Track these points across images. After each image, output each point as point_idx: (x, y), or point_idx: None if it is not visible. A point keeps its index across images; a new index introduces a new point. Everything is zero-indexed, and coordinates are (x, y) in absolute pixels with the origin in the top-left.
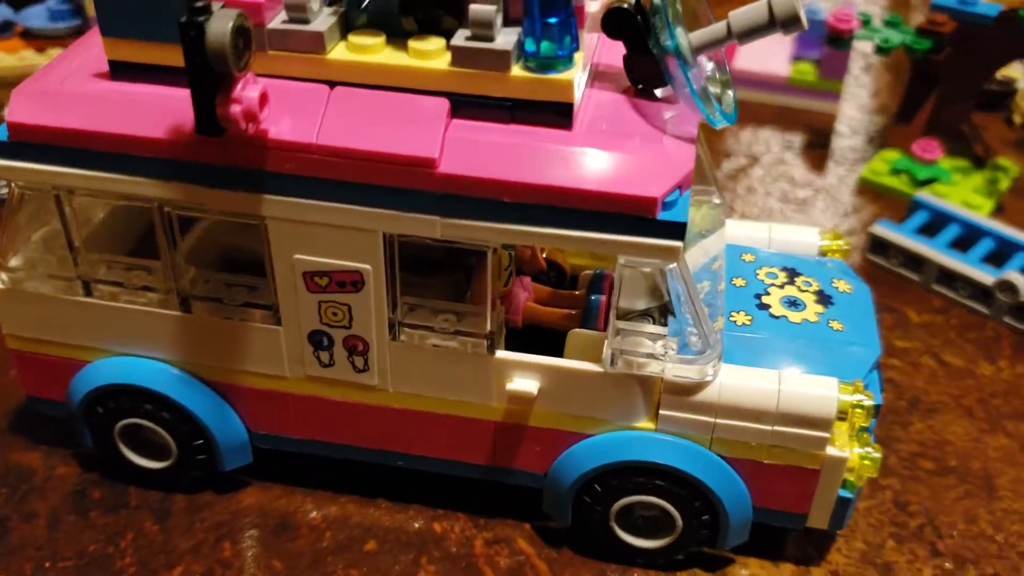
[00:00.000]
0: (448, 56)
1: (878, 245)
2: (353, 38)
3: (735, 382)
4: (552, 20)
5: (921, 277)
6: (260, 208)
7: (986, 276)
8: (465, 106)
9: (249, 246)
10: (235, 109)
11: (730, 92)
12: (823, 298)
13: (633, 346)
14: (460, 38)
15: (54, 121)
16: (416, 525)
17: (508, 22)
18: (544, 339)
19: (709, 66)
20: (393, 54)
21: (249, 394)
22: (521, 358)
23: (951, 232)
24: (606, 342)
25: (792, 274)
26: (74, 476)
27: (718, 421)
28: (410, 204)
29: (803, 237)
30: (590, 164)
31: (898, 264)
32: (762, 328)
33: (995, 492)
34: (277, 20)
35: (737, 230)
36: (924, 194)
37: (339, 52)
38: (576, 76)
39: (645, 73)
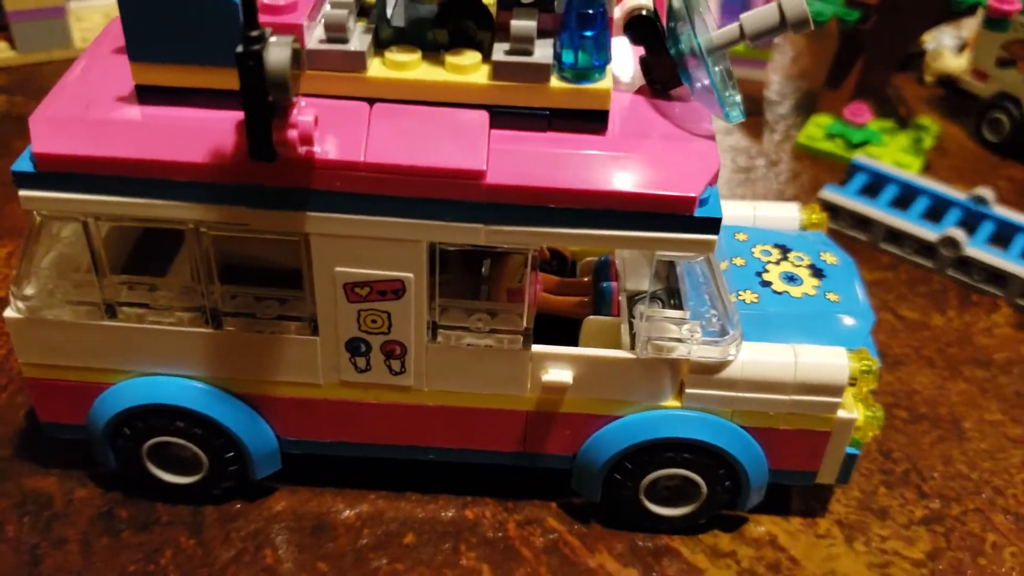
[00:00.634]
0: (485, 69)
1: (827, 209)
2: (389, 54)
3: (755, 358)
4: (588, 34)
5: (869, 237)
6: (305, 225)
7: (930, 233)
8: (503, 117)
9: (250, 254)
10: (292, 134)
11: (737, 89)
12: (816, 271)
13: (660, 332)
14: (500, 53)
15: (85, 150)
16: (449, 514)
17: (539, 34)
18: (554, 326)
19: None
20: (430, 69)
21: (280, 403)
22: (556, 350)
23: (890, 192)
24: (634, 329)
25: (784, 250)
26: (96, 498)
27: (740, 395)
28: (455, 214)
29: (785, 213)
30: (629, 168)
31: (847, 226)
32: (769, 305)
33: (964, 434)
34: (314, 40)
35: (724, 210)
36: (861, 157)
37: (377, 69)
38: (611, 85)
39: (663, 74)
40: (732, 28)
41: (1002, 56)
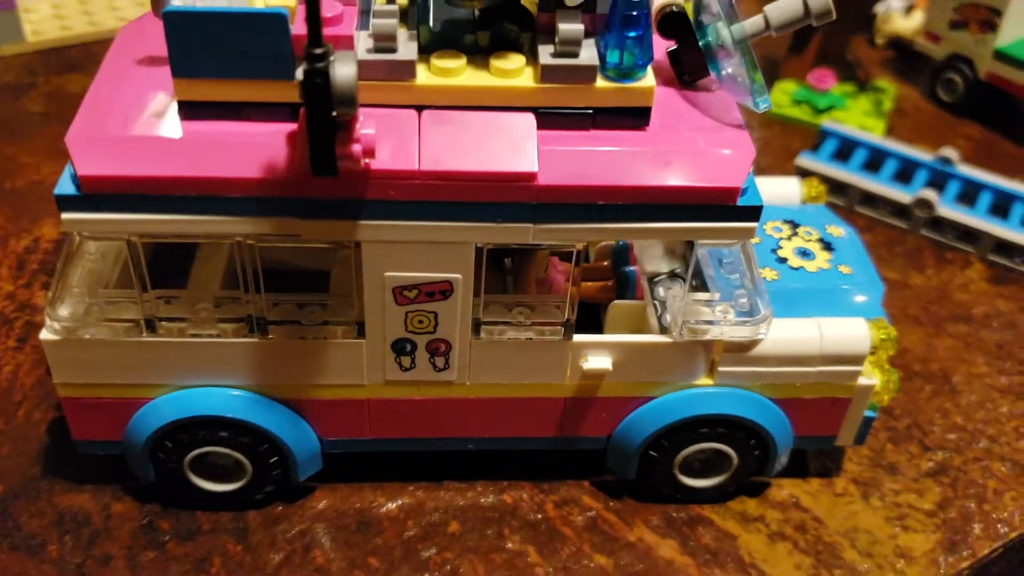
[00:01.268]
0: (529, 72)
1: (802, 175)
2: (435, 61)
3: (783, 334)
4: (631, 34)
5: (845, 201)
6: (358, 233)
7: (903, 195)
8: (549, 117)
9: (278, 259)
10: (356, 148)
11: (760, 77)
12: (825, 245)
13: (694, 315)
14: (546, 56)
15: (130, 170)
16: (488, 500)
17: None
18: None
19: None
20: (476, 74)
21: (323, 405)
22: (596, 339)
23: (860, 156)
24: (659, 311)
25: (793, 225)
26: (134, 511)
27: (770, 370)
28: (505, 215)
29: (787, 188)
30: (674, 162)
31: (824, 191)
32: (790, 281)
33: (955, 388)
34: (362, 50)
35: None
36: (829, 123)
37: (424, 77)
38: (654, 82)
39: (692, 66)
40: (758, 19)
41: (954, 18)
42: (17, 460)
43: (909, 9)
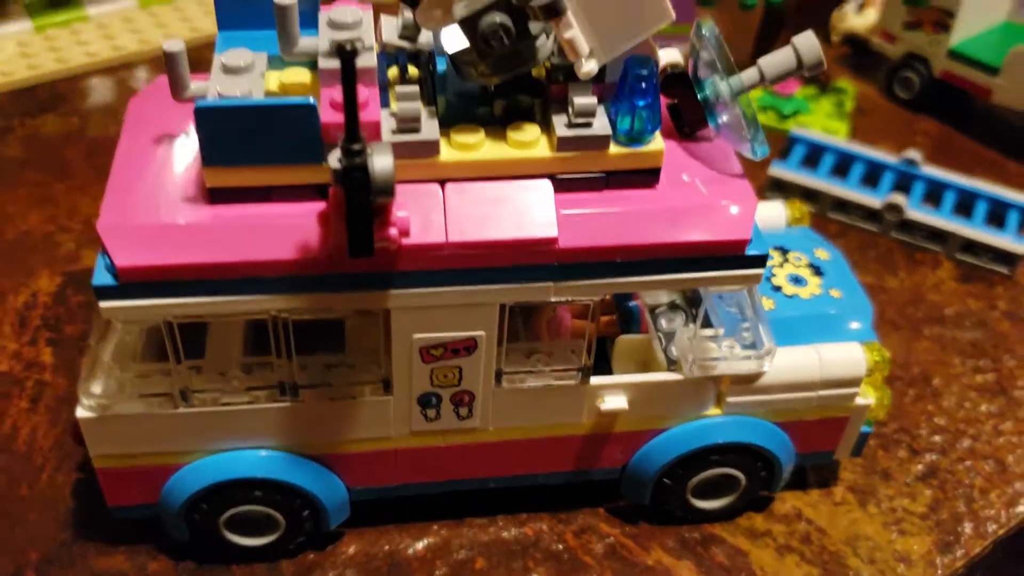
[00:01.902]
0: (545, 141)
1: (776, 184)
2: (455, 136)
3: (785, 364)
4: (641, 103)
5: (817, 207)
6: (388, 302)
7: (873, 200)
8: (565, 183)
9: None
10: (393, 232)
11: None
12: (815, 270)
13: (703, 352)
14: (561, 127)
15: (168, 259)
16: (510, 534)
17: None
18: None
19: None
20: (495, 147)
21: (352, 457)
22: (612, 380)
23: (828, 161)
24: (664, 344)
25: (783, 252)
26: (170, 570)
27: (774, 397)
28: (527, 277)
29: (773, 212)
30: (685, 219)
31: (796, 198)
32: (786, 310)
33: (936, 390)
34: (387, 130)
35: None
36: (798, 129)
37: (447, 153)
38: (663, 145)
39: (693, 119)
40: (753, 72)
41: (908, 19)
42: (47, 525)
43: (862, 7)
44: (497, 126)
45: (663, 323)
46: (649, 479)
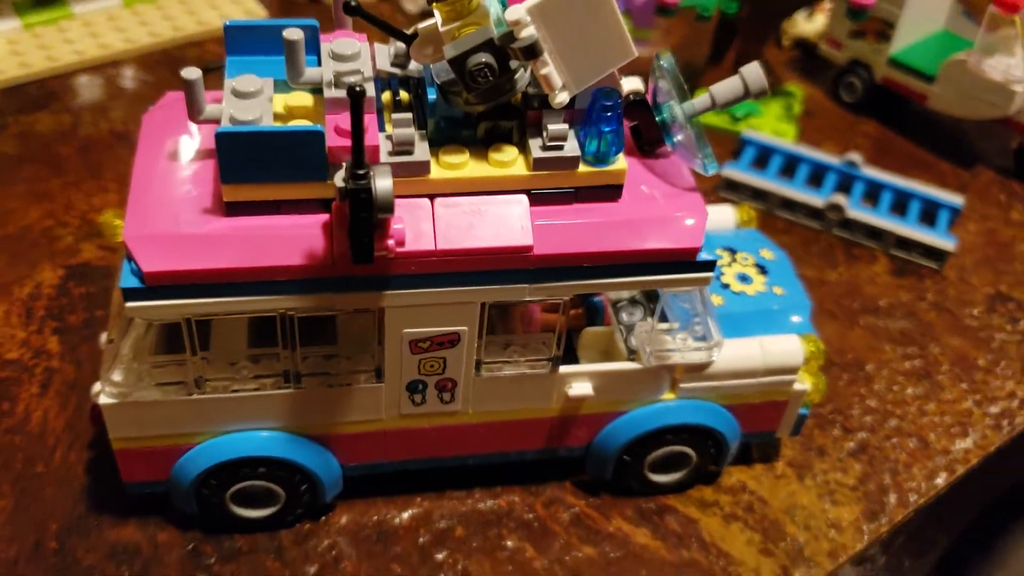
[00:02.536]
0: (522, 161)
1: (728, 184)
2: (444, 156)
3: (731, 354)
4: (607, 128)
5: (765, 206)
6: (383, 302)
7: (817, 200)
8: (539, 197)
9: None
10: (391, 243)
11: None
12: (761, 269)
13: (659, 344)
14: (536, 149)
15: (190, 264)
16: (486, 505)
17: None
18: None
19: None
20: (478, 166)
21: (346, 437)
22: (578, 369)
23: (776, 162)
24: (625, 335)
25: (732, 252)
26: (178, 539)
27: (722, 383)
28: (506, 279)
29: (723, 215)
30: (644, 229)
31: (746, 197)
32: (735, 305)
33: (868, 375)
34: (384, 154)
35: None
36: (748, 132)
37: (436, 171)
38: (626, 165)
39: (651, 139)
40: (705, 98)
41: (853, 28)
42: (63, 500)
43: (812, 13)
44: (480, 147)
45: (624, 317)
46: (611, 456)
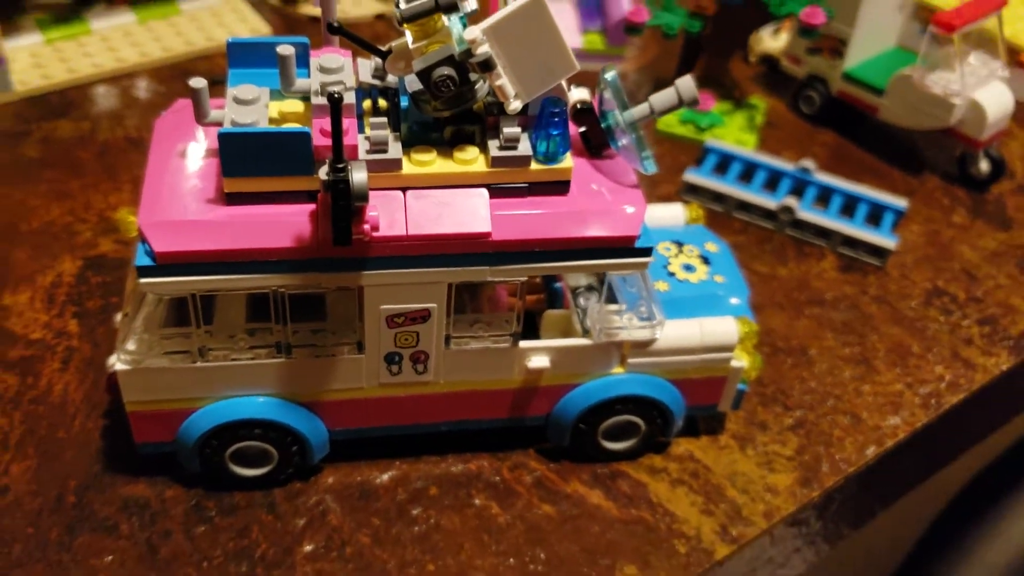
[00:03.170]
0: (482, 159)
1: (690, 188)
2: (414, 155)
3: (674, 333)
4: (554, 132)
5: (723, 208)
6: (362, 281)
7: (770, 202)
8: (497, 191)
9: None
10: (367, 227)
11: (649, 146)
12: (704, 260)
13: (608, 323)
14: (494, 149)
15: (196, 246)
16: (457, 469)
17: None
18: None
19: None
20: (444, 163)
21: (332, 404)
22: (537, 344)
23: (736, 168)
24: (582, 318)
25: (679, 245)
26: (182, 495)
27: (666, 359)
28: (469, 262)
29: (673, 212)
30: (589, 219)
31: (707, 200)
32: (678, 291)
33: (811, 359)
34: (362, 152)
35: None
36: (711, 140)
37: (407, 168)
38: (572, 164)
39: (598, 142)
40: (644, 107)
41: (810, 46)
42: (81, 461)
43: (778, 30)
44: (446, 148)
45: (581, 301)
46: (568, 424)
